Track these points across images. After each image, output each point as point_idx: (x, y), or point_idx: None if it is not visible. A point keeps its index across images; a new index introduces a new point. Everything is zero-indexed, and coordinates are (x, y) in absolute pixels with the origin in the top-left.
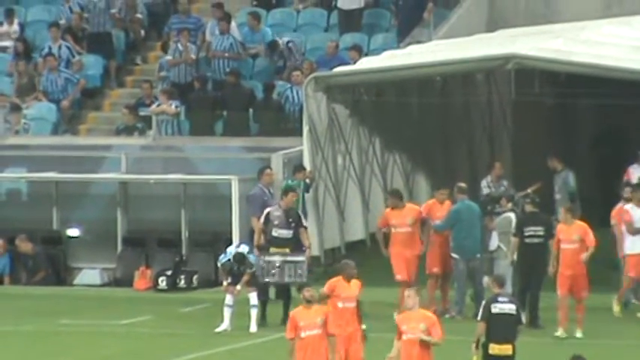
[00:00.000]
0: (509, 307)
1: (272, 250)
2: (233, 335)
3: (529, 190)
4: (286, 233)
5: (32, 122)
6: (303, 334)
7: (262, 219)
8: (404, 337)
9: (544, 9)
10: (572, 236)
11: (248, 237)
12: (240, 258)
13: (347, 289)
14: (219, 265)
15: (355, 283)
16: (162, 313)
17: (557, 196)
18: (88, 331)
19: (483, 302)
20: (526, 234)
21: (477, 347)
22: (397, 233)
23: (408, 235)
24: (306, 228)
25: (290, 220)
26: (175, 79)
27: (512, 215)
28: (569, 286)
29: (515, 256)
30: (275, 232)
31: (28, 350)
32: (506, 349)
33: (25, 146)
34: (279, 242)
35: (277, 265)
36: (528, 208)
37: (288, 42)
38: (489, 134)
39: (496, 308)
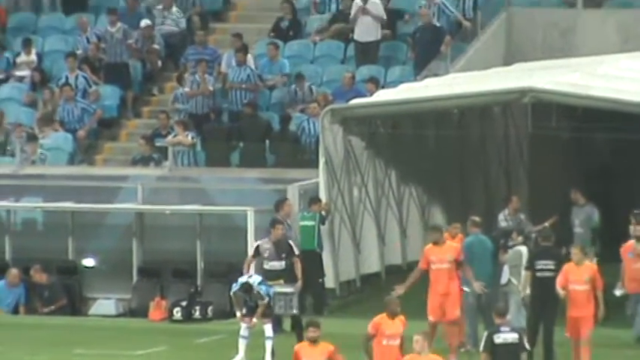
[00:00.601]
0: (512, 337)
1: (269, 282)
2: None
3: (546, 224)
4: (278, 265)
5: (49, 152)
6: None
7: (252, 251)
8: None
9: (561, 43)
10: (583, 277)
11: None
12: (247, 287)
13: (391, 327)
14: (231, 294)
15: (399, 320)
16: (177, 344)
17: (578, 230)
18: None
19: (485, 333)
20: (537, 267)
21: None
22: (436, 270)
23: (447, 273)
24: (298, 257)
25: (280, 251)
26: (192, 110)
27: (523, 249)
28: (577, 327)
29: (527, 290)
30: (267, 265)
31: None
32: None
33: (42, 176)
34: (273, 275)
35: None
36: (542, 242)
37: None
38: (506, 167)
39: (499, 339)
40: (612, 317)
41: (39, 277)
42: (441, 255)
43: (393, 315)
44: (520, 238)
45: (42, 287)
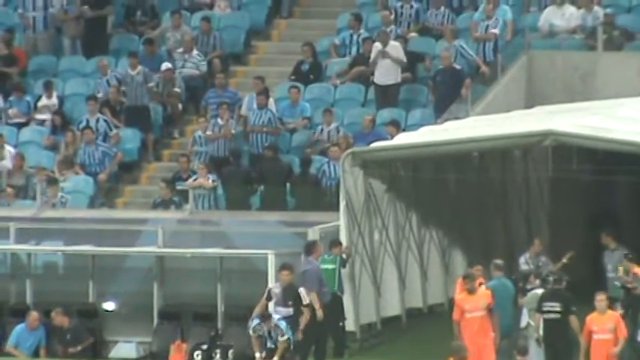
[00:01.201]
0: None
1: None
2: None
3: (564, 260)
4: (284, 311)
5: (69, 195)
6: None
7: (265, 294)
8: None
9: (582, 86)
10: (607, 326)
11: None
12: (266, 317)
13: None
14: (249, 331)
15: None
16: None
17: (610, 275)
18: None
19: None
20: (544, 309)
21: None
22: (471, 318)
23: (482, 321)
24: (307, 306)
25: (287, 298)
26: (213, 152)
27: (539, 292)
28: None
29: (540, 332)
30: (276, 310)
31: None
32: None
33: (62, 219)
34: None
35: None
36: (553, 284)
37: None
38: (526, 211)
39: None
40: None
41: (60, 319)
42: (474, 303)
43: None
44: (538, 282)
45: (63, 330)
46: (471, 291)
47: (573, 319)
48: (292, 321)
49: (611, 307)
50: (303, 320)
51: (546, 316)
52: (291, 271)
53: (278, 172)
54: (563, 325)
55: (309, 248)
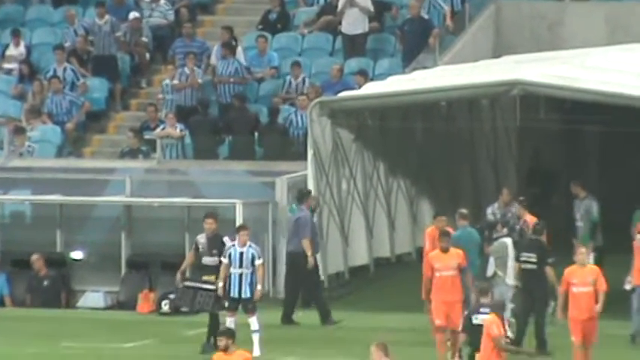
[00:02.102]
0: None
1: (204, 277)
2: None
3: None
4: (210, 261)
5: (36, 145)
6: None
7: (193, 245)
8: None
9: (549, 35)
10: (587, 279)
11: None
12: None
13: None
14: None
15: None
16: (165, 337)
17: (579, 224)
18: (90, 354)
19: (465, 313)
20: (521, 259)
21: (459, 356)
22: (441, 277)
23: (452, 280)
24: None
25: (212, 247)
26: (180, 102)
27: (507, 240)
28: (584, 331)
29: (514, 281)
30: (203, 260)
31: None
32: None
33: (29, 169)
34: (207, 270)
35: (191, 291)
36: (531, 234)
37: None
38: (494, 160)
39: (477, 319)
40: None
41: (39, 265)
42: (445, 262)
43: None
44: (505, 230)
45: (39, 277)
46: (445, 250)
47: (549, 271)
48: (219, 271)
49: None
50: (223, 269)
51: (523, 265)
52: (216, 219)
53: (245, 122)
54: (539, 275)
55: (302, 197)
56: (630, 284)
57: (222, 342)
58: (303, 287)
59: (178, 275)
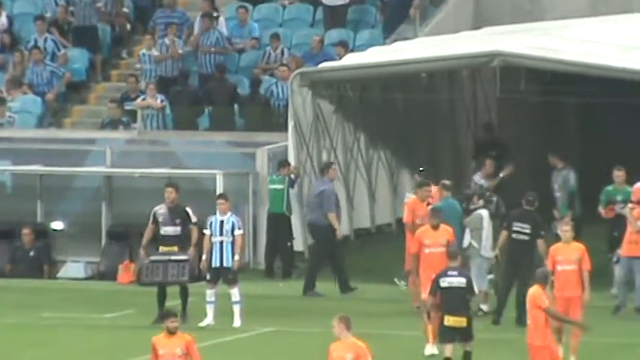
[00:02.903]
0: (459, 281)
1: (161, 248)
2: (217, 330)
3: (501, 175)
4: (172, 230)
5: (17, 115)
6: None
7: (151, 218)
8: None
9: (530, 6)
10: (572, 256)
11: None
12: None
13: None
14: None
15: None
16: (145, 307)
17: (557, 194)
18: (70, 325)
19: (434, 276)
20: (513, 229)
21: (428, 318)
22: (430, 254)
23: (441, 256)
24: (195, 224)
25: (174, 216)
26: (161, 73)
27: (483, 212)
28: (567, 309)
29: (497, 250)
30: (162, 230)
31: (10, 343)
32: (460, 321)
33: (10, 139)
34: (167, 241)
35: (161, 264)
36: (524, 205)
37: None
38: (474, 131)
39: (445, 282)
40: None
41: (28, 238)
42: (435, 239)
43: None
44: (480, 202)
45: (25, 249)
46: (435, 227)
47: (541, 243)
48: (181, 240)
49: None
50: (195, 237)
51: (515, 236)
52: (176, 188)
53: (224, 93)
54: (530, 247)
55: (322, 169)
56: (617, 256)
57: (173, 323)
58: (322, 258)
59: (142, 251)
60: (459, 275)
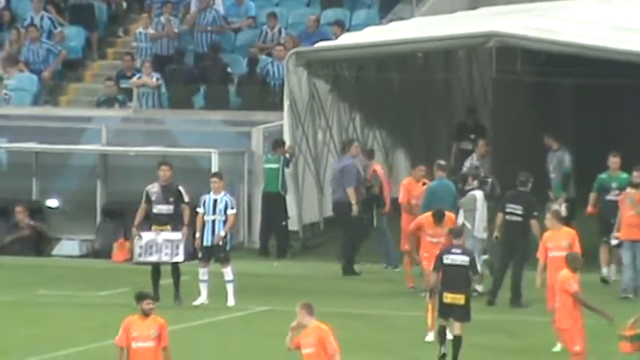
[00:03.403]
0: (462, 259)
1: (153, 227)
2: (211, 308)
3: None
4: (165, 209)
5: (13, 92)
6: (134, 345)
7: (143, 197)
8: (302, 350)
9: None
10: (561, 242)
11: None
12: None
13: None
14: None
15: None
16: (140, 285)
17: (552, 175)
18: (65, 302)
19: (438, 253)
20: (507, 211)
21: (430, 296)
22: (435, 242)
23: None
24: (188, 204)
25: (168, 195)
26: (157, 51)
27: (477, 193)
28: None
29: (496, 232)
30: (155, 209)
31: (5, 320)
32: (458, 298)
33: (6, 116)
34: (160, 219)
35: (155, 244)
36: (518, 186)
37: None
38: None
39: (448, 259)
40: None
41: (22, 216)
42: (438, 230)
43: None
44: (475, 183)
45: (20, 227)
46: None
47: (534, 224)
48: (173, 219)
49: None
50: (187, 216)
51: (508, 217)
52: (171, 167)
53: (217, 72)
54: (523, 228)
55: (344, 146)
56: (617, 240)
57: (149, 305)
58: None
59: (134, 230)
60: (463, 253)
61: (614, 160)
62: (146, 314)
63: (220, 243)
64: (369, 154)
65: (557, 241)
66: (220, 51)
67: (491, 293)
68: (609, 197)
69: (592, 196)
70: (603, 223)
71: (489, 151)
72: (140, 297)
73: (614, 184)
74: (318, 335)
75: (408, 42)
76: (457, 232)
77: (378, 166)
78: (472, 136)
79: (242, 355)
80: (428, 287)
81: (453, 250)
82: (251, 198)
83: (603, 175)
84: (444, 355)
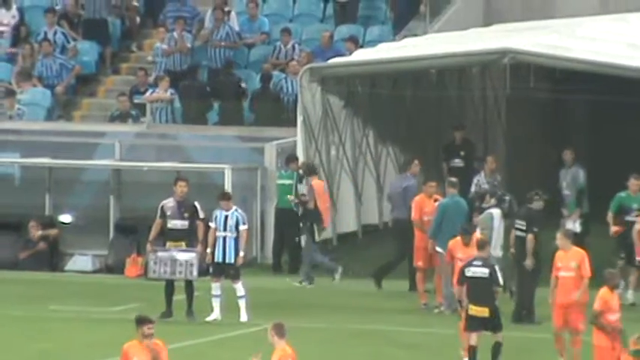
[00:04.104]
0: (482, 271)
1: (168, 244)
2: (223, 324)
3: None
4: (180, 224)
5: (26, 107)
6: None
7: (158, 212)
8: None
9: (540, 4)
10: (570, 263)
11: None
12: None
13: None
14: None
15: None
16: (152, 301)
17: (566, 192)
18: (77, 318)
19: (461, 265)
20: (515, 226)
21: (461, 306)
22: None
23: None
24: (203, 220)
25: (183, 210)
26: (170, 67)
27: (495, 211)
28: (565, 317)
29: (512, 249)
30: (170, 224)
31: (17, 335)
32: (482, 311)
33: (19, 131)
34: (174, 235)
35: (169, 260)
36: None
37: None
38: (483, 128)
39: (469, 272)
40: None
41: (35, 231)
42: (468, 253)
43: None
44: (493, 201)
45: (33, 242)
46: (466, 243)
47: (529, 239)
48: (188, 234)
49: None
50: (202, 233)
51: (517, 233)
52: (188, 182)
53: (231, 87)
54: (526, 242)
55: (405, 164)
56: None
57: (150, 330)
58: (404, 255)
59: (149, 246)
60: (483, 265)
61: (636, 183)
62: (147, 338)
63: (241, 262)
64: (311, 170)
65: (567, 261)
66: (234, 67)
67: (527, 313)
68: (629, 218)
69: (610, 216)
70: (622, 243)
71: (497, 166)
72: (140, 321)
73: (635, 205)
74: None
75: (421, 59)
76: (481, 245)
77: (316, 181)
78: (462, 153)
79: None
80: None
81: (475, 263)
82: (264, 214)
83: (623, 194)
84: None
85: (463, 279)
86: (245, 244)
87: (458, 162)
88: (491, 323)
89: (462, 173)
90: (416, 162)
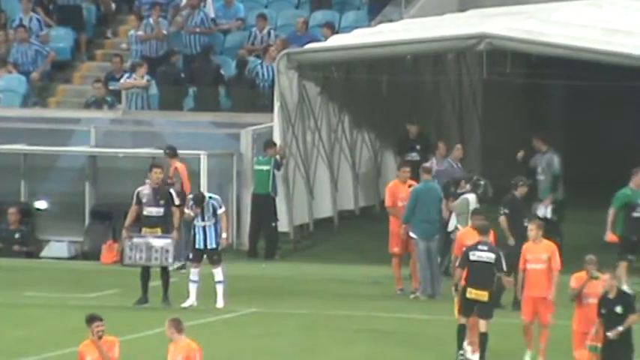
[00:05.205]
0: (488, 256)
1: (144, 230)
2: (199, 310)
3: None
4: (155, 211)
5: (1, 94)
6: None
7: (134, 199)
8: None
9: None
10: (541, 255)
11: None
12: (200, 198)
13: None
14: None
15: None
16: (128, 287)
17: (541, 177)
18: (53, 304)
19: (464, 249)
20: (500, 213)
21: (456, 290)
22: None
23: None
24: (178, 206)
25: (159, 197)
26: (146, 53)
27: (470, 196)
28: (535, 310)
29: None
30: (145, 211)
31: None
32: (482, 294)
33: None
34: (150, 221)
35: (144, 246)
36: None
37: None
38: (459, 114)
39: (474, 256)
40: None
41: (14, 218)
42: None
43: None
44: (468, 186)
45: (10, 230)
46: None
47: (501, 220)
48: (163, 221)
49: None
50: (177, 219)
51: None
52: (163, 169)
53: (208, 74)
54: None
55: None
56: None
57: (99, 328)
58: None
59: (124, 232)
60: (489, 250)
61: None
62: (99, 337)
63: (225, 244)
64: (172, 153)
65: (537, 253)
66: (212, 52)
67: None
68: (636, 214)
69: (611, 212)
70: (626, 241)
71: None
72: (89, 320)
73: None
74: (187, 354)
75: (397, 44)
76: (484, 229)
77: (179, 164)
78: (418, 147)
79: (228, 357)
80: (454, 281)
81: (480, 247)
82: (240, 200)
83: (627, 192)
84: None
85: (465, 262)
86: (227, 224)
87: (414, 155)
88: (485, 309)
89: (418, 166)
90: (458, 146)
